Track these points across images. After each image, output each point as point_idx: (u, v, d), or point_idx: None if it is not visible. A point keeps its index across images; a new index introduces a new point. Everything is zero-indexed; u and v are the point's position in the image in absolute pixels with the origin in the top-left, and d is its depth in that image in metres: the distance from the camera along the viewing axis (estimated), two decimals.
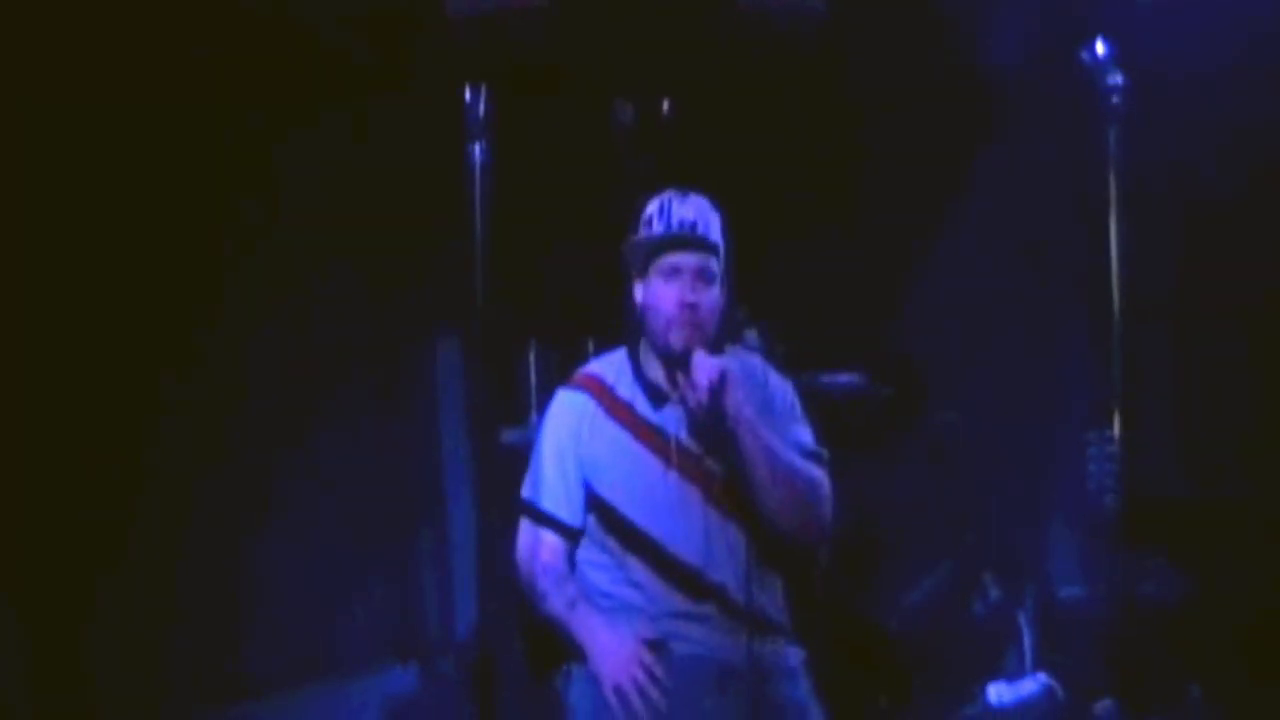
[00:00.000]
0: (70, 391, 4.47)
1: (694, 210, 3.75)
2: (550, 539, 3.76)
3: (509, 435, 5.03)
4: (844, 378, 5.27)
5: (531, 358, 5.21)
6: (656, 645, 3.62)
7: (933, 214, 5.77)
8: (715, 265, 3.73)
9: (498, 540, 3.63)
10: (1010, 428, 5.92)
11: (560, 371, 5.13)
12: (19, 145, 4.31)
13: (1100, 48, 3.84)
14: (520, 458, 4.07)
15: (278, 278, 5.08)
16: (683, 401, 3.68)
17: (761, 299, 3.94)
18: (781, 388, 3.83)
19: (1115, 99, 3.83)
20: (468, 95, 3.23)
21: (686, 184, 3.82)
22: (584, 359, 4.34)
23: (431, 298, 5.43)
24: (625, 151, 5.06)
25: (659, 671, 3.56)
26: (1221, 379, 5.62)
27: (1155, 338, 4.37)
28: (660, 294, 3.72)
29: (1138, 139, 3.86)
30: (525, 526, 3.81)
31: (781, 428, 3.73)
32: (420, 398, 5.63)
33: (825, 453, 3.78)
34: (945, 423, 5.77)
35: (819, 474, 3.73)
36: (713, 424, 3.64)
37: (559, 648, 3.78)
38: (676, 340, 3.69)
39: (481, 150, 3.22)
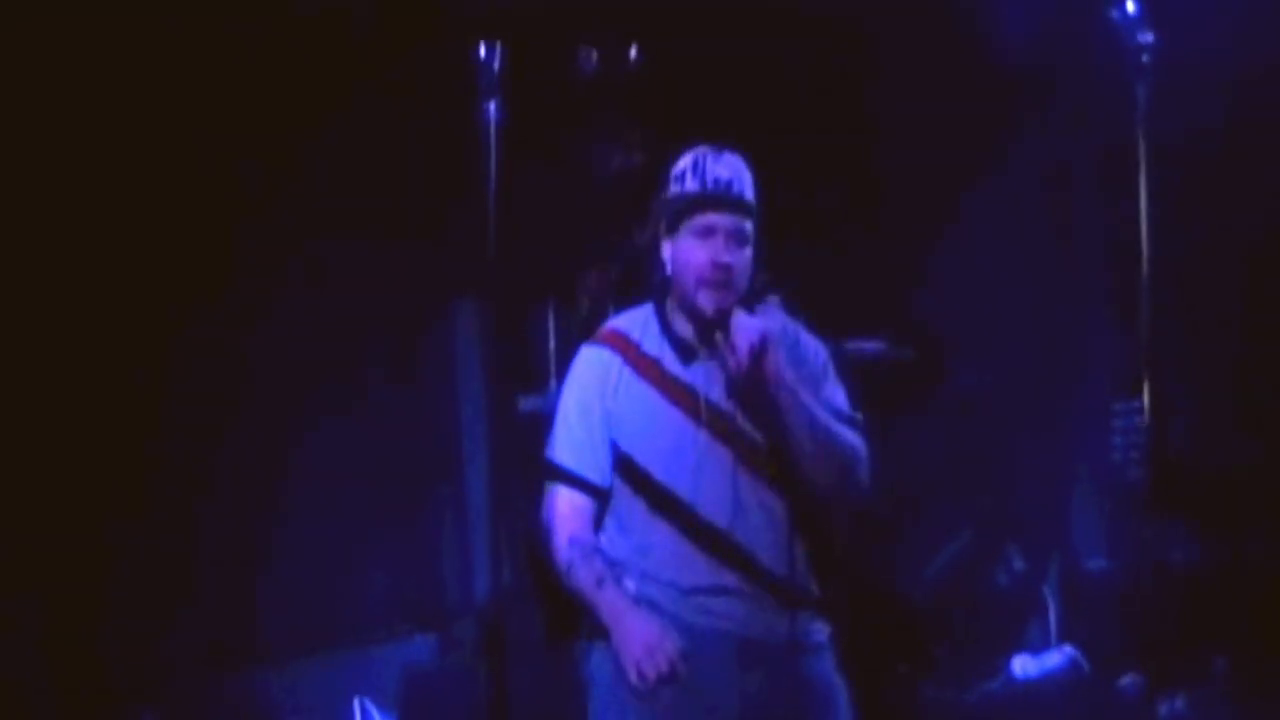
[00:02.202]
0: (89, 355, 4.47)
1: (729, 169, 3.67)
2: (577, 500, 3.66)
3: (527, 402, 5.01)
4: (867, 344, 5.23)
5: (550, 324, 5.18)
6: (690, 633, 3.56)
7: (957, 178, 5.72)
8: (749, 227, 3.65)
9: (515, 507, 3.59)
10: (1034, 394, 5.88)
11: (580, 337, 5.13)
12: (45, 108, 4.30)
13: (1130, 5, 3.78)
14: (539, 425, 4.03)
15: (294, 244, 5.06)
16: (722, 364, 3.61)
17: (779, 264, 3.87)
18: (815, 349, 3.75)
19: (1145, 57, 3.76)
20: (481, 52, 3.19)
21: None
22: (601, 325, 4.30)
23: (450, 263, 5.40)
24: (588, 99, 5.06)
25: (681, 663, 3.50)
26: (1250, 345, 5.57)
27: (1183, 303, 4.31)
28: (692, 253, 3.63)
29: (1168, 98, 3.79)
30: (551, 489, 3.69)
31: (816, 390, 3.67)
32: (438, 365, 5.61)
33: (860, 416, 3.72)
34: (969, 387, 5.73)
35: (856, 438, 3.66)
36: (752, 387, 3.58)
37: (577, 616, 3.74)
38: (706, 301, 3.62)
39: (495, 108, 3.18)
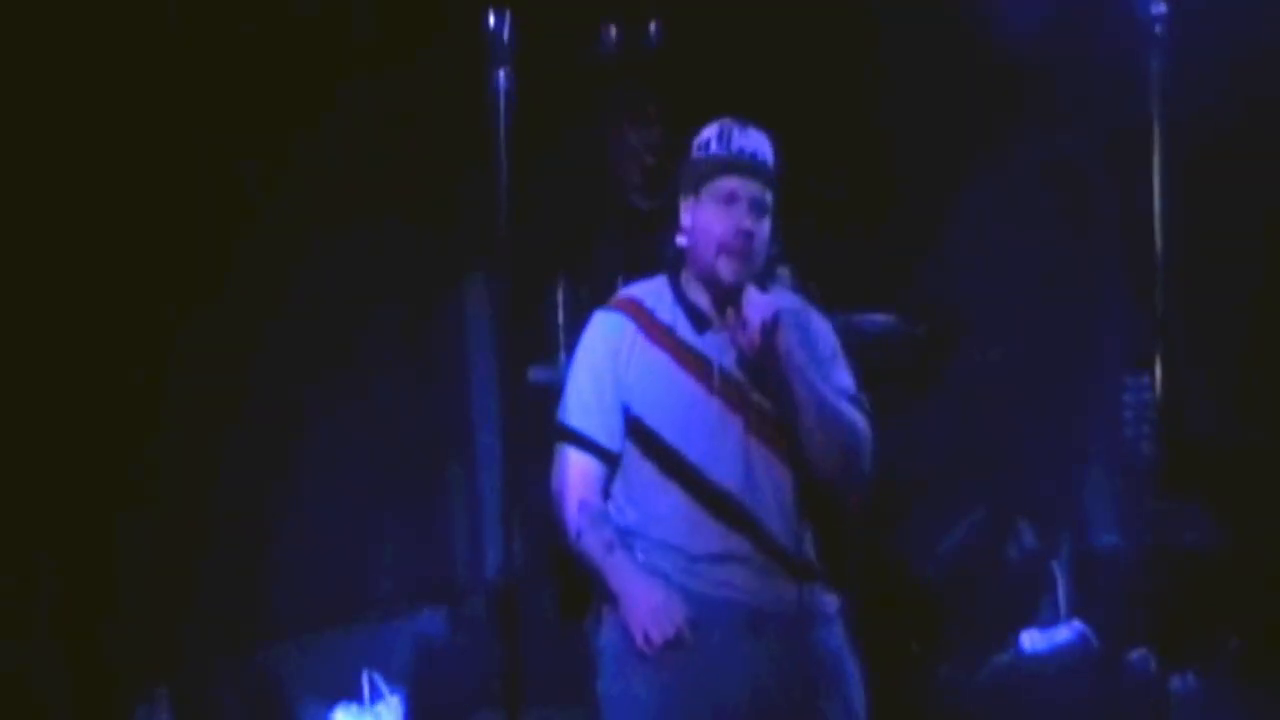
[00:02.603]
0: (98, 333, 4.47)
1: (754, 141, 3.68)
2: (586, 464, 3.66)
3: (537, 373, 5.00)
4: (877, 317, 5.22)
5: (560, 295, 5.17)
6: (699, 602, 3.56)
7: (969, 151, 5.70)
8: (770, 198, 3.66)
9: (526, 480, 3.58)
10: (1047, 370, 5.86)
11: (590, 309, 5.12)
12: (60, 93, 4.30)
13: None
14: (549, 396, 4.03)
15: (304, 220, 5.06)
16: (734, 341, 3.61)
17: (792, 237, 3.86)
18: (824, 330, 3.75)
19: (1158, 28, 3.74)
20: (490, 21, 3.17)
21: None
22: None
23: (461, 234, 5.39)
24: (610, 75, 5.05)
25: (689, 628, 3.50)
26: (1267, 323, 5.54)
27: (1198, 280, 4.29)
28: (714, 219, 3.62)
29: (1182, 71, 3.77)
30: (561, 452, 3.69)
31: (824, 370, 3.66)
32: (449, 339, 5.61)
33: (866, 398, 3.71)
34: (980, 362, 5.71)
35: (861, 420, 3.66)
36: (763, 364, 3.58)
37: (591, 590, 3.74)
38: (725, 270, 3.61)
39: (506, 77, 3.17)
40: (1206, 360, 5.39)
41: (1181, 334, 3.93)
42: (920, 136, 5.69)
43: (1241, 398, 5.66)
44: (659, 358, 3.65)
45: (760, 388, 3.61)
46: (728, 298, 3.62)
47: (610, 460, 3.65)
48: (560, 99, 4.87)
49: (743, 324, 3.54)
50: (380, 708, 5.10)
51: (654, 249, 5.04)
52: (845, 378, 3.71)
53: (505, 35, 3.18)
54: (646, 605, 3.50)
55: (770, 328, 3.51)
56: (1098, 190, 5.89)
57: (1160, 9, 3.74)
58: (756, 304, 3.55)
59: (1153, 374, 3.91)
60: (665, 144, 5.24)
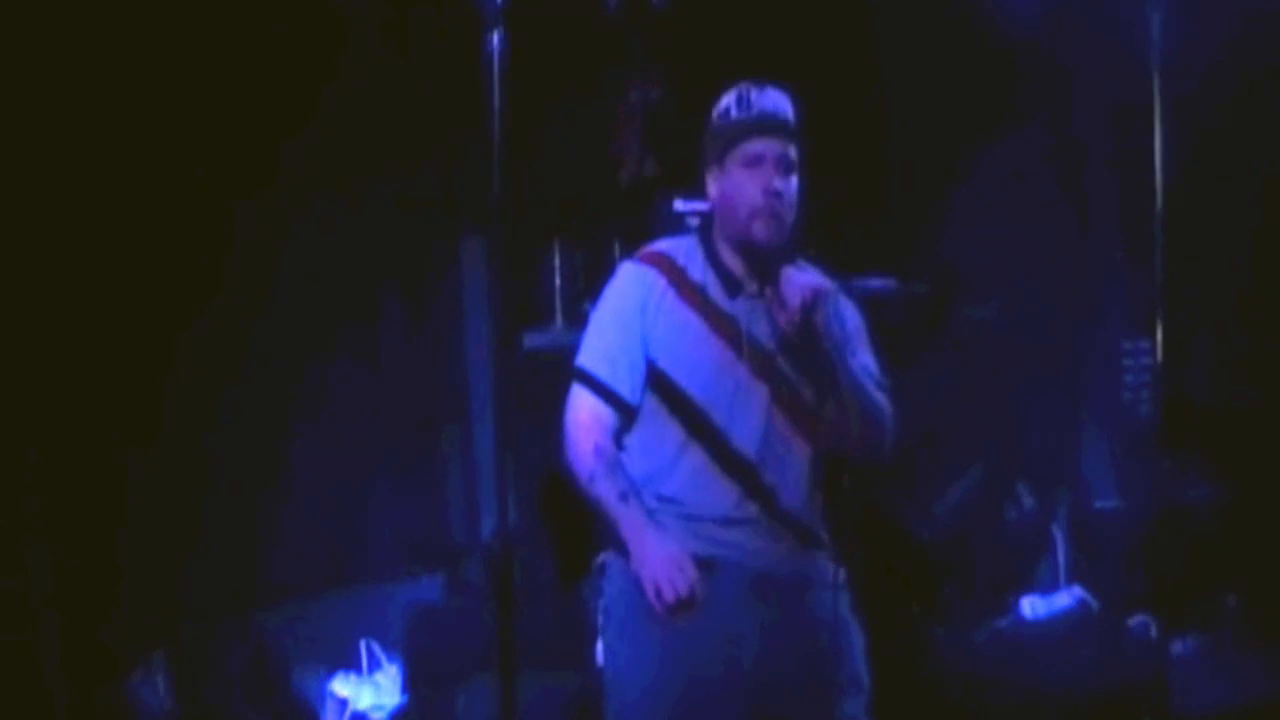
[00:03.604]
0: (95, 299, 4.46)
1: (773, 101, 3.65)
2: (602, 412, 3.60)
3: (533, 338, 4.99)
4: (875, 282, 5.19)
5: (556, 260, 5.14)
6: (704, 564, 3.54)
7: (971, 115, 5.67)
8: (794, 153, 3.63)
9: (522, 446, 3.56)
10: (1046, 332, 5.84)
11: (586, 275, 5.10)
12: (69, 76, 4.29)
13: None
14: (544, 362, 4.00)
15: (301, 185, 5.03)
16: (773, 318, 3.58)
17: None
18: (851, 311, 3.73)
19: None
20: None
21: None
22: (611, 262, 4.26)
23: (458, 199, 5.36)
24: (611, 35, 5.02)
25: (700, 589, 3.48)
26: (1266, 283, 5.53)
27: (1198, 240, 4.27)
28: (742, 183, 3.59)
29: (1181, 30, 3.74)
30: (579, 396, 3.62)
31: (851, 351, 3.64)
32: (446, 304, 5.58)
33: (888, 381, 3.70)
34: (979, 320, 5.69)
35: (885, 403, 3.65)
36: (800, 342, 3.55)
37: (589, 553, 3.72)
38: (760, 232, 3.57)
39: (500, 39, 3.13)
40: (1206, 322, 5.39)
41: (1181, 297, 3.91)
42: (922, 100, 5.66)
43: (1240, 359, 5.64)
44: (689, 317, 3.62)
45: (790, 362, 3.59)
46: (760, 262, 3.60)
47: (627, 412, 3.61)
48: (560, 60, 4.84)
49: (781, 301, 3.52)
50: (379, 676, 5.09)
51: (652, 212, 5.03)
52: (870, 360, 3.69)
53: None
54: (660, 560, 3.47)
55: (810, 307, 3.49)
56: (1098, 156, 5.87)
57: None
58: (795, 281, 3.53)
59: (1152, 337, 3.90)
60: (666, 105, 5.21)
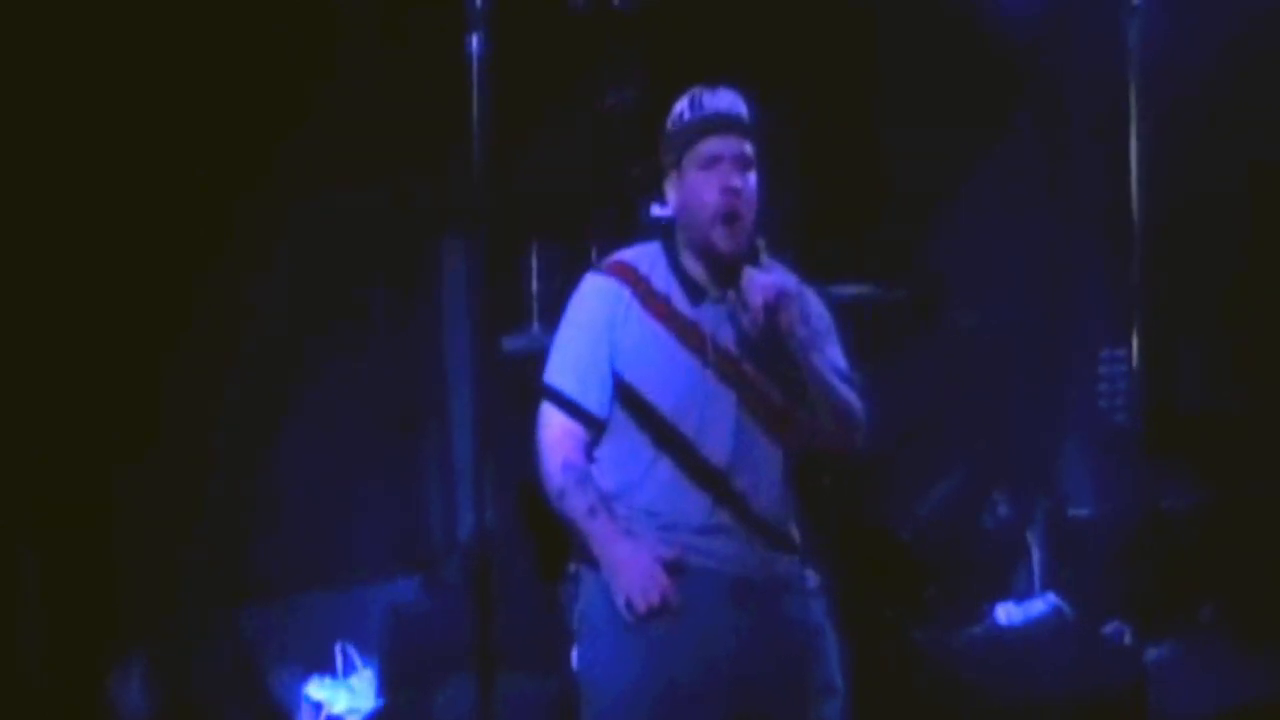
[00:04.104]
0: (80, 305, 4.47)
1: (725, 100, 3.64)
2: (571, 427, 3.60)
3: (511, 341, 4.99)
4: (855, 288, 5.20)
5: (534, 263, 5.15)
6: (674, 567, 3.54)
7: (952, 123, 5.68)
8: (750, 150, 3.62)
9: (500, 448, 3.57)
10: (1024, 341, 5.86)
11: (563, 279, 5.10)
12: (50, 70, 4.29)
13: None
14: (521, 365, 4.01)
15: (283, 189, 5.03)
16: (736, 321, 3.59)
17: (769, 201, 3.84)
18: (818, 307, 3.73)
19: (1137, 1, 3.73)
20: None
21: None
22: (588, 266, 4.26)
23: (437, 202, 5.37)
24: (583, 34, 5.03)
25: (673, 595, 3.48)
26: (1243, 291, 5.55)
27: (1178, 248, 4.29)
28: (700, 185, 3.58)
29: (1159, 40, 3.76)
30: (548, 413, 3.62)
31: (820, 349, 3.65)
32: (425, 306, 5.59)
33: (857, 377, 3.70)
34: (961, 326, 5.71)
35: (854, 398, 3.66)
36: (765, 344, 3.56)
37: (568, 551, 3.72)
38: (721, 237, 3.56)
39: (480, 41, 3.14)
40: (1184, 330, 5.41)
41: (1159, 305, 3.93)
42: (903, 107, 5.68)
43: (1218, 367, 5.67)
44: (655, 328, 3.61)
45: (756, 365, 3.60)
46: (724, 267, 3.59)
47: (594, 426, 3.61)
48: (538, 62, 4.84)
49: (745, 304, 3.52)
50: (354, 680, 5.09)
51: (630, 216, 5.03)
52: (839, 357, 3.69)
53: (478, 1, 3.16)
54: (630, 573, 3.48)
55: (773, 308, 3.49)
56: (1077, 164, 5.88)
57: None
58: (759, 283, 3.52)
59: (1129, 346, 3.92)
60: (642, 108, 5.21)
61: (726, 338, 3.60)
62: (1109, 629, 5.26)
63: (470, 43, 3.16)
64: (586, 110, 5.23)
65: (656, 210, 4.84)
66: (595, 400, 3.60)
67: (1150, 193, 3.85)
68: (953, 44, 5.61)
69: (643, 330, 3.61)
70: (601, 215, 5.13)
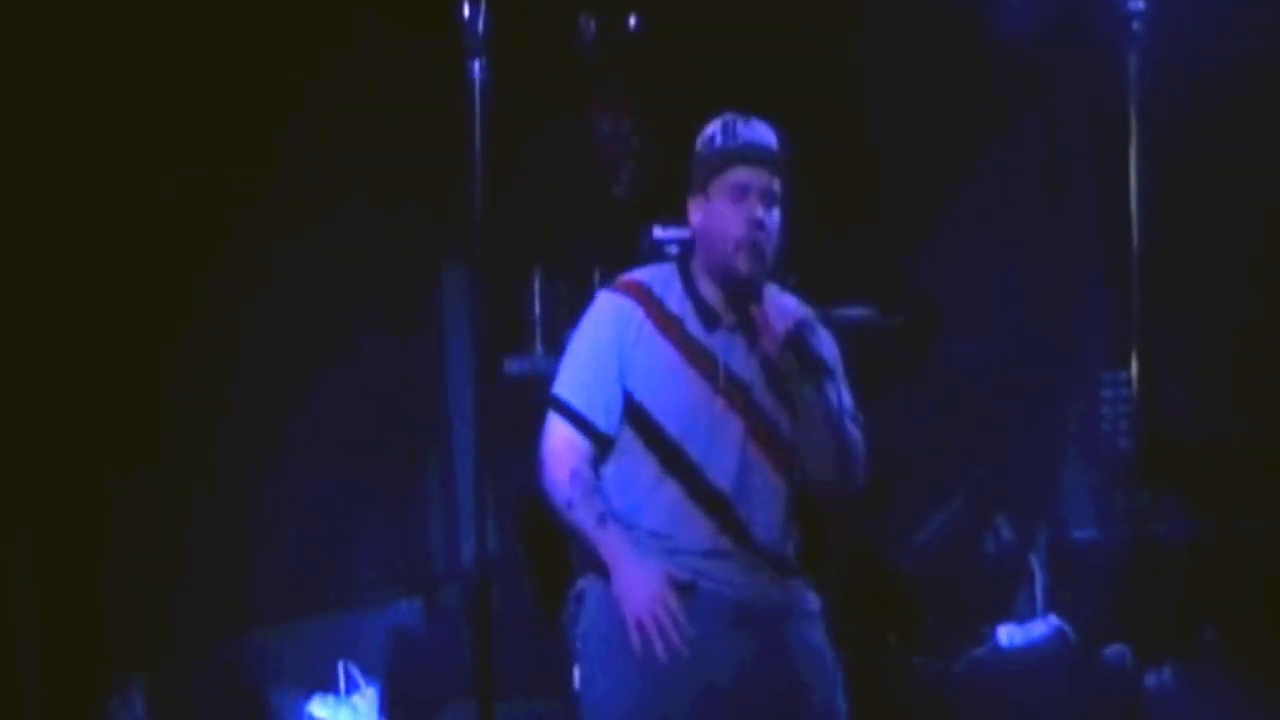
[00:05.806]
0: (80, 321, 4.46)
1: (758, 132, 3.66)
2: (580, 442, 3.61)
3: (513, 364, 5.00)
4: (854, 311, 5.21)
5: (536, 287, 5.16)
6: (685, 588, 3.54)
7: (949, 146, 5.69)
8: (779, 186, 3.63)
9: (501, 472, 3.57)
10: (1025, 364, 5.86)
11: (566, 301, 5.11)
12: (45, 67, 4.29)
13: None
14: (524, 388, 4.01)
15: (284, 211, 5.03)
16: (749, 343, 3.59)
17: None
18: (829, 342, 3.74)
19: (1136, 24, 3.74)
20: (465, 11, 3.17)
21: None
22: (591, 289, 4.27)
23: (439, 226, 5.37)
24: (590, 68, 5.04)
25: (682, 616, 3.48)
26: (1244, 317, 5.55)
27: (1177, 274, 4.29)
28: (725, 214, 3.59)
29: (1158, 65, 3.77)
30: (555, 424, 3.64)
31: (833, 382, 3.65)
32: (427, 330, 5.59)
33: (861, 417, 3.71)
34: (960, 354, 5.71)
35: (859, 436, 3.66)
36: (782, 372, 3.56)
37: (568, 579, 3.72)
38: (743, 264, 3.57)
39: (481, 68, 3.16)
40: (1184, 355, 5.41)
41: (1162, 329, 3.93)
42: (900, 131, 5.68)
43: (1219, 392, 5.67)
44: (666, 350, 3.62)
45: (768, 392, 3.60)
46: (740, 294, 3.60)
47: (602, 442, 3.62)
48: (537, 89, 4.85)
49: (767, 327, 3.53)
50: (356, 699, 5.09)
51: (630, 240, 5.04)
52: (845, 394, 3.69)
53: (480, 26, 3.17)
54: (640, 588, 3.47)
55: (794, 335, 3.50)
56: (1077, 186, 5.89)
57: (1138, 4, 3.73)
58: (781, 310, 3.54)
59: (1130, 369, 3.92)
60: (637, 135, 5.22)
61: (738, 365, 3.61)
62: (1110, 652, 5.25)
63: (472, 69, 3.17)
64: (586, 134, 5.24)
65: (659, 233, 4.86)
66: (603, 416, 3.61)
67: (1150, 219, 3.86)
68: (951, 70, 5.62)
69: (654, 351, 3.62)
70: (604, 238, 5.14)
